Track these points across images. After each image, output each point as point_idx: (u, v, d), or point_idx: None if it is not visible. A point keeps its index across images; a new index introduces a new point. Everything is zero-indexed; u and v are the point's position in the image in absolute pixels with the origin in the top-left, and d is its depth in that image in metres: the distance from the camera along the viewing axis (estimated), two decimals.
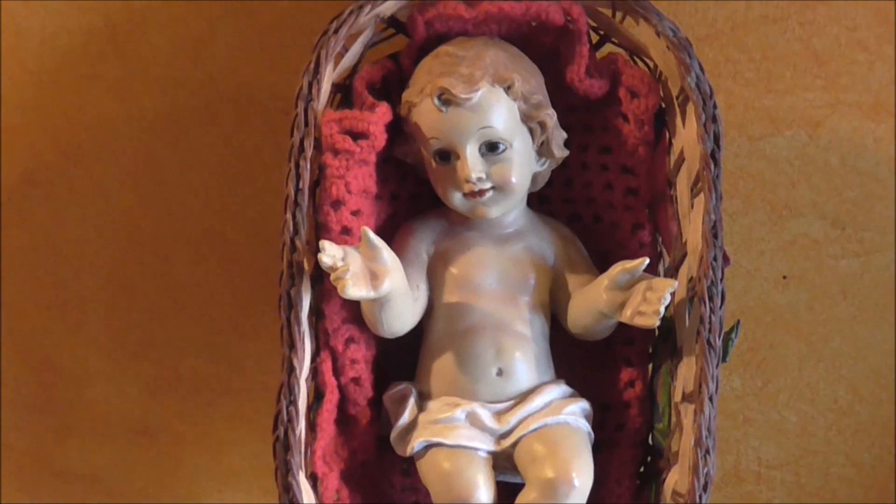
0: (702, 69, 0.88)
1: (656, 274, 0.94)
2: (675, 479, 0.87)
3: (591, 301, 0.89)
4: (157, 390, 1.13)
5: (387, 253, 0.84)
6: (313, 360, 0.89)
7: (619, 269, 0.86)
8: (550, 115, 0.90)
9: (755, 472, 1.12)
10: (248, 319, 1.11)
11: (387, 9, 0.90)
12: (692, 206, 0.89)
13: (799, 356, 1.10)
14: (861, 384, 1.10)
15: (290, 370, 0.84)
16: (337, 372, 0.90)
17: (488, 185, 0.89)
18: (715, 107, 0.87)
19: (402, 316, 0.88)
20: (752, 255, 1.08)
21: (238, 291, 1.10)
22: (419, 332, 0.93)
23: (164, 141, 1.07)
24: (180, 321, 1.11)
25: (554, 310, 0.94)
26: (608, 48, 0.95)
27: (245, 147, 1.07)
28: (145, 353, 1.12)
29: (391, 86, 0.93)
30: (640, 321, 0.84)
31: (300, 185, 0.85)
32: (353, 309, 0.90)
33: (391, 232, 0.94)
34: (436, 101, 0.87)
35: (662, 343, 0.93)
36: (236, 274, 1.10)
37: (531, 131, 0.90)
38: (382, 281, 0.83)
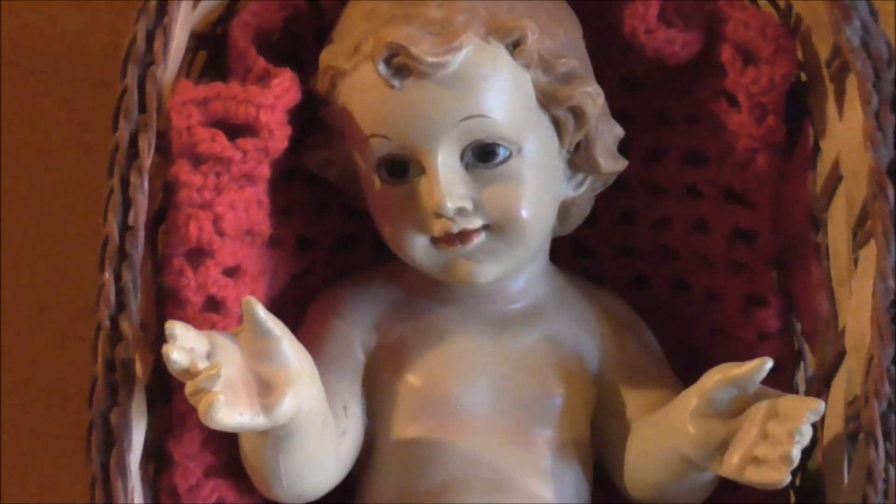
0: (874, 14, 0.87)
1: (790, 389, 0.96)
2: None
3: (668, 437, 0.88)
4: None
5: (289, 345, 0.82)
6: None
7: (718, 378, 0.85)
8: (593, 96, 0.90)
9: None
10: (21, 472, 1.14)
11: None
12: (855, 265, 0.89)
13: None
14: None
15: None
16: None
17: (478, 222, 0.89)
18: None
19: (316, 464, 0.88)
20: None
21: (9, 419, 1.14)
22: (349, 495, 0.93)
23: None
24: None
25: (599, 453, 0.95)
26: None
27: (26, 148, 1.13)
28: None
29: (300, 39, 0.96)
30: (756, 476, 0.82)
31: (130, 220, 0.85)
32: (227, 450, 0.90)
33: (300, 308, 0.96)
34: (382, 67, 0.87)
35: None
36: (6, 388, 1.14)
37: (557, 124, 0.91)
38: (280, 397, 0.81)
